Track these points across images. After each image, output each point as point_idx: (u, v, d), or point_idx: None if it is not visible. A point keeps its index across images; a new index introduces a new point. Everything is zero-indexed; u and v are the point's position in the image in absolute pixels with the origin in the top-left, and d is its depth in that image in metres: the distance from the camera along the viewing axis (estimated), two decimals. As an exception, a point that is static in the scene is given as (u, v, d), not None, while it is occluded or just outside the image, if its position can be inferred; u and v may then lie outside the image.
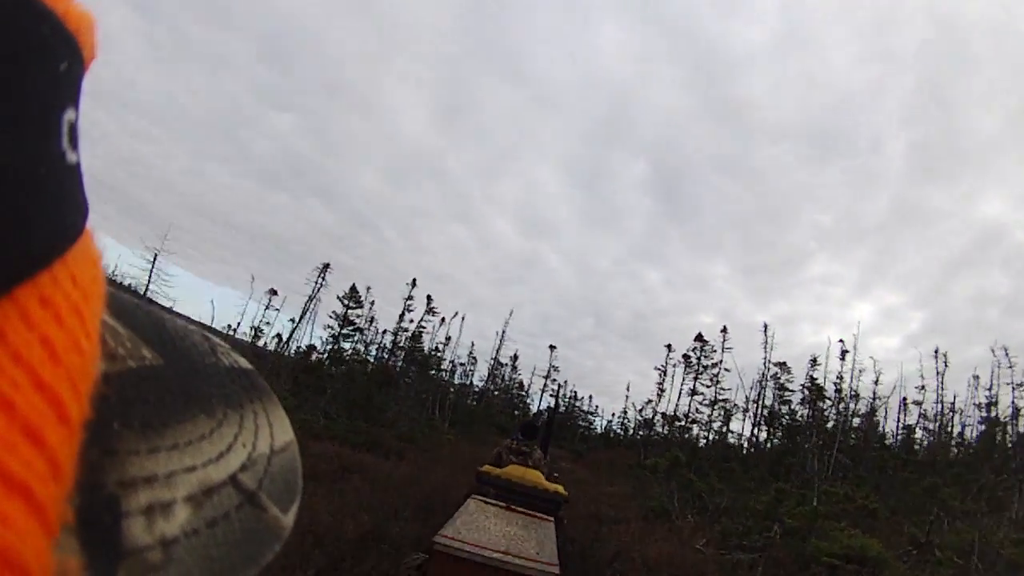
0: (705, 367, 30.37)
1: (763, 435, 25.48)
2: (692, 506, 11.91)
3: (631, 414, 39.42)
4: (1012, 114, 60.78)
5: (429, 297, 32.97)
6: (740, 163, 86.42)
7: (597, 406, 45.51)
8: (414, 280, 32.75)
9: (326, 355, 29.06)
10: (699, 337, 31.71)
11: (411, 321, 32.08)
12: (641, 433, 34.90)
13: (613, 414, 48.80)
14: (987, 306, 41.90)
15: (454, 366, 36.28)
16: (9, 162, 0.11)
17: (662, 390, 33.29)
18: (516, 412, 39.49)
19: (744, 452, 23.38)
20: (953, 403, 23.72)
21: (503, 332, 38.56)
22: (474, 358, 39.03)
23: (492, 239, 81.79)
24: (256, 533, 0.20)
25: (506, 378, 41.96)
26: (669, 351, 33.69)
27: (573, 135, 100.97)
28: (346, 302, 30.83)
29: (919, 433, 23.56)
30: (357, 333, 30.61)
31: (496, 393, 40.23)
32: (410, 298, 32.34)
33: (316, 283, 29.45)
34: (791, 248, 66.08)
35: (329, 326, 30.19)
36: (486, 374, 39.21)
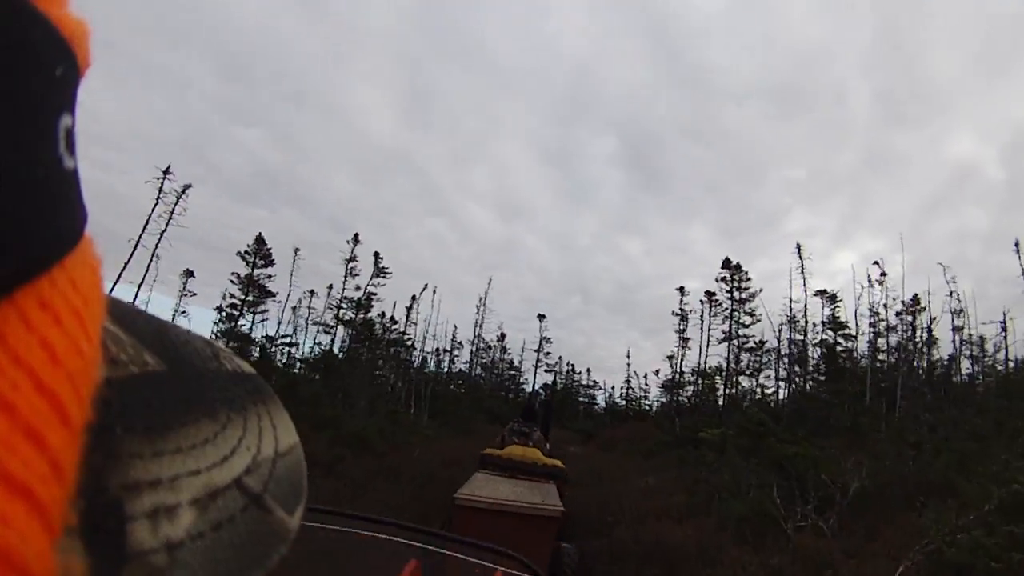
0: (742, 300, 23.16)
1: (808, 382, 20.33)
2: (802, 499, 7.16)
3: (635, 383, 34.78)
4: (972, 54, 59.12)
5: (377, 255, 25.77)
6: (707, 128, 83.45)
7: (596, 381, 40.57)
8: (356, 236, 25.47)
9: (221, 335, 21.97)
10: (727, 263, 24.45)
11: (357, 288, 24.89)
12: (659, 402, 29.71)
13: (613, 387, 44.01)
14: (968, 242, 38.79)
15: (439, 353, 30.94)
16: (5, 166, 0.11)
17: (685, 339, 26.51)
18: (509, 395, 34.46)
19: (820, 406, 17.14)
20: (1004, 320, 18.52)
21: (484, 300, 32.50)
22: (459, 343, 33.59)
23: (470, 228, 79.94)
24: (262, 535, 0.20)
25: (495, 359, 36.62)
26: (683, 294, 27.43)
27: (540, 117, 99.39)
28: (250, 258, 22.36)
29: (965, 364, 18.71)
30: (268, 299, 22.81)
31: (484, 377, 34.73)
32: (353, 259, 24.90)
33: (158, 192, 17.70)
34: (767, 205, 64.29)
35: (230, 294, 22.60)
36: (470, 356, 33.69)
